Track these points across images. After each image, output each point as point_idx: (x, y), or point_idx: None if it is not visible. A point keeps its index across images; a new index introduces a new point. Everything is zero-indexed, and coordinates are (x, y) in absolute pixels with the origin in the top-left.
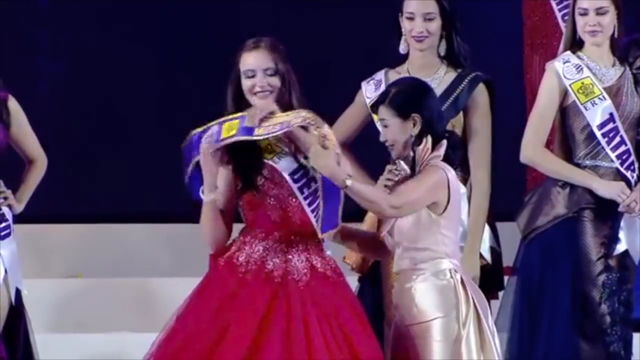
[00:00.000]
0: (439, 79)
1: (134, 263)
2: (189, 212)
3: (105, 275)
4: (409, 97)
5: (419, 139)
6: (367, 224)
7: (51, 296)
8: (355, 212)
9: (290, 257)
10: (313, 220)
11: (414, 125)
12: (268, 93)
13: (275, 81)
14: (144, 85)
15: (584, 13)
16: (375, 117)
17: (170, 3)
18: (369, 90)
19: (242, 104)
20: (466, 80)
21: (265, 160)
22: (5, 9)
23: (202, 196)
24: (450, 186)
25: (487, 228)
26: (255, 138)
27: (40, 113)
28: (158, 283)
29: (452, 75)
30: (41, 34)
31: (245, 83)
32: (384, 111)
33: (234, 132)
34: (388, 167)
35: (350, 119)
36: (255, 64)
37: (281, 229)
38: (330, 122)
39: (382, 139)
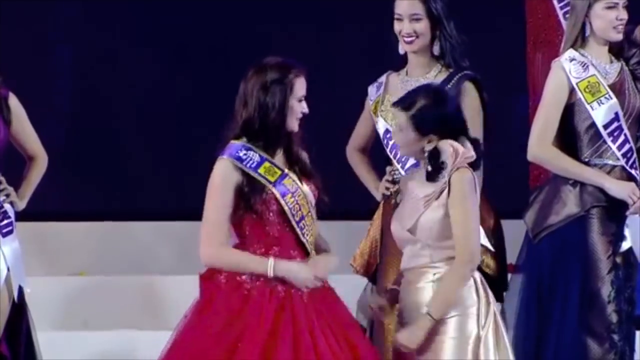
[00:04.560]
0: (431, 79)
1: (140, 261)
2: (195, 210)
3: (111, 272)
4: (431, 119)
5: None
6: (375, 225)
7: (56, 294)
8: (360, 211)
9: None
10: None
11: (429, 142)
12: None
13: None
14: (149, 85)
15: (614, 6)
16: (388, 115)
17: (176, 8)
18: (372, 93)
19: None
20: (454, 80)
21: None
22: (12, 7)
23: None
24: (475, 187)
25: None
26: None
27: (45, 111)
28: (163, 281)
29: (443, 75)
30: (49, 34)
31: (297, 107)
32: (404, 118)
33: None
34: (388, 168)
35: (362, 124)
36: (305, 90)
37: (280, 243)
38: (337, 127)
39: (394, 139)
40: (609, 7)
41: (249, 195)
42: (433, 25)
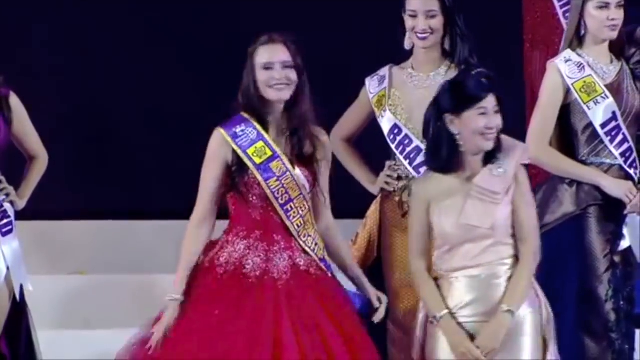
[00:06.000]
0: (442, 75)
1: (140, 260)
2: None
3: (111, 272)
4: None
5: None
6: (373, 219)
7: (57, 293)
8: (355, 210)
9: (271, 256)
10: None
11: None
12: (284, 86)
13: (293, 75)
14: (150, 84)
15: (605, 6)
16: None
17: (176, 8)
18: (372, 86)
19: (258, 98)
20: None
21: (251, 170)
22: (13, 7)
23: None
24: None
25: None
26: None
27: (45, 109)
28: (164, 280)
29: (453, 72)
30: (49, 34)
31: (262, 76)
32: (492, 99)
33: None
34: (388, 163)
35: (355, 114)
36: (275, 57)
37: (262, 227)
38: (336, 119)
39: (492, 124)
40: (600, 7)
41: (234, 175)
42: (447, 21)
